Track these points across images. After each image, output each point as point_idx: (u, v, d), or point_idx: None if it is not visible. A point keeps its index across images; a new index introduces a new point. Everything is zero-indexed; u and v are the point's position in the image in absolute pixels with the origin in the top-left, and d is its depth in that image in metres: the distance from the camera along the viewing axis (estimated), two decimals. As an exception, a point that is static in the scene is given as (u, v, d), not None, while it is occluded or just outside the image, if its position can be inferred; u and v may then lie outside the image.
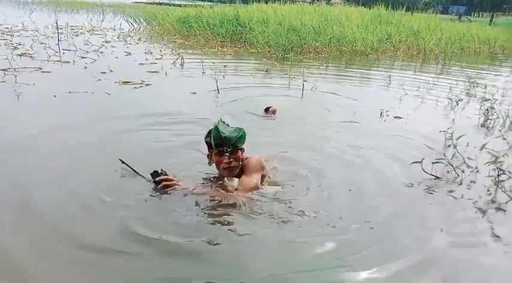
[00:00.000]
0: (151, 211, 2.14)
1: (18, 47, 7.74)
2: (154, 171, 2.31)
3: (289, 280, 1.72)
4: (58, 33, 8.56)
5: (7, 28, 10.89)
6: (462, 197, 2.51)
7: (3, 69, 5.45)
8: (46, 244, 1.88)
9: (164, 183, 2.26)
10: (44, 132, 3.28)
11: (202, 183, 2.42)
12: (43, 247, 1.85)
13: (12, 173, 2.55)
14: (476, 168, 2.90)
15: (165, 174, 2.29)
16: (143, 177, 2.27)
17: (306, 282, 1.72)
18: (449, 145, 3.34)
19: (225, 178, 2.39)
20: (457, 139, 3.19)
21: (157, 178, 2.28)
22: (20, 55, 6.84)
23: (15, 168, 2.61)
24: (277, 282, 1.71)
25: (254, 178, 2.32)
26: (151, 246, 1.86)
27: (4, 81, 4.88)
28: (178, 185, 2.27)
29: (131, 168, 2.24)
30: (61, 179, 2.50)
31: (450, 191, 2.59)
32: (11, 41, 8.49)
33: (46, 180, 2.48)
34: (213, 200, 2.20)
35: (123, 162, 2.18)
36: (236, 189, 2.29)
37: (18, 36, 9.50)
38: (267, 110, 4.14)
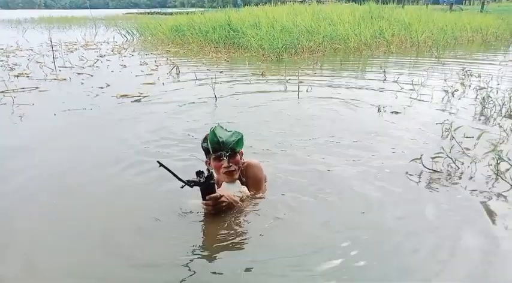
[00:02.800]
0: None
1: (14, 67, 7.79)
2: (198, 172, 2.05)
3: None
4: (53, 50, 8.61)
5: (2, 49, 10.96)
6: (464, 188, 2.54)
7: (1, 92, 5.50)
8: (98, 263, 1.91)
9: (223, 201, 2.12)
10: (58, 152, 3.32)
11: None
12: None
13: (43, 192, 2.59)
14: (476, 158, 2.94)
15: (213, 179, 2.08)
16: (182, 180, 2.01)
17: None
18: (447, 137, 3.38)
19: (224, 183, 2.32)
20: (455, 130, 3.23)
21: (207, 197, 2.08)
22: (17, 76, 6.89)
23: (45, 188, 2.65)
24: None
25: (264, 192, 2.42)
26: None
27: (5, 103, 4.92)
28: (235, 203, 2.20)
29: (171, 171, 1.98)
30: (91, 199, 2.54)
31: (451, 184, 2.62)
32: (7, 62, 8.54)
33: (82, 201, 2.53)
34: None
35: (160, 165, 1.95)
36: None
37: (14, 56, 9.56)
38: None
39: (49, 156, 3.24)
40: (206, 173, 2.04)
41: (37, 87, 5.93)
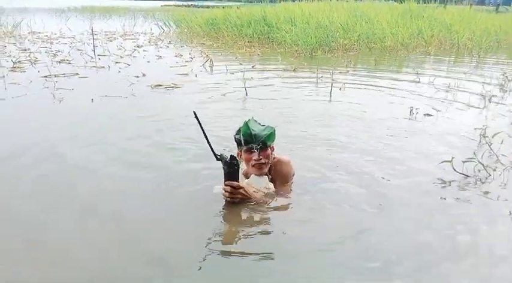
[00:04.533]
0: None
1: (57, 54, 8.17)
2: (232, 156, 2.11)
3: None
4: (93, 39, 8.93)
5: (46, 36, 11.47)
6: (494, 196, 2.48)
7: (44, 76, 5.79)
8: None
9: (241, 193, 2.17)
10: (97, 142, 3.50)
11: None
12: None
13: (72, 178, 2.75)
14: (509, 166, 2.84)
15: (237, 165, 2.13)
16: (210, 144, 2.04)
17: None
18: (481, 143, 3.28)
19: (252, 175, 2.36)
20: (492, 137, 3.11)
21: (226, 183, 2.13)
22: (59, 62, 7.22)
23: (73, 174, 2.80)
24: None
25: (290, 188, 2.45)
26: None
27: (47, 87, 5.19)
28: (250, 198, 2.22)
29: (203, 130, 2.00)
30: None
31: (481, 190, 2.56)
32: (50, 48, 8.95)
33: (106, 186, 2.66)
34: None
35: (196, 117, 1.94)
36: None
37: (57, 43, 10.00)
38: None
39: (82, 140, 3.38)
40: (234, 160, 2.10)
41: (77, 74, 6.19)
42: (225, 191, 2.16)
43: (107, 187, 2.58)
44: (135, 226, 2.15)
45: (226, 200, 2.21)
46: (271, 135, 2.34)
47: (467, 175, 2.71)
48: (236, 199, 2.18)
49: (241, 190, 2.15)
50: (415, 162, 2.96)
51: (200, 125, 2.00)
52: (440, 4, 16.78)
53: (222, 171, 2.13)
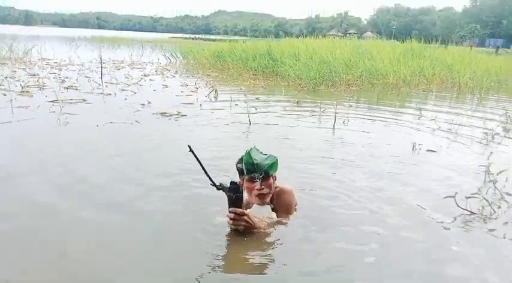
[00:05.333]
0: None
1: (65, 80, 8.33)
2: (232, 182, 2.09)
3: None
4: (101, 67, 9.13)
5: (56, 63, 11.75)
6: (497, 232, 2.44)
7: (52, 101, 5.87)
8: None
9: (245, 220, 2.11)
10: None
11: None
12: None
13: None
14: (514, 204, 2.82)
15: (240, 192, 2.11)
16: (209, 177, 2.05)
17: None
18: (486, 181, 3.26)
19: (255, 205, 2.33)
20: (497, 174, 3.10)
21: (231, 209, 2.10)
22: (67, 88, 7.34)
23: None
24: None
25: (293, 218, 2.41)
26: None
27: (54, 112, 5.25)
28: (254, 226, 2.16)
29: (200, 163, 2.00)
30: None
31: (486, 227, 2.52)
32: (59, 74, 9.15)
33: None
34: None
35: (191, 150, 1.94)
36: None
37: (66, 70, 10.23)
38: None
39: (85, 165, 3.39)
40: (236, 186, 2.08)
41: (84, 100, 6.28)
42: (229, 218, 2.12)
43: (102, 212, 2.55)
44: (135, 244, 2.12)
45: (230, 228, 2.17)
46: (274, 165, 2.32)
47: (472, 212, 2.68)
48: (240, 227, 2.13)
49: (245, 218, 2.11)
50: (418, 198, 2.93)
51: (196, 158, 1.99)
52: (441, 45, 17.23)
53: (223, 198, 2.11)
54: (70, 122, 4.80)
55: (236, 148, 3.87)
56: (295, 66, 10.20)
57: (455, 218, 2.62)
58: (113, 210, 2.57)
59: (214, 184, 2.06)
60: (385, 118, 6.03)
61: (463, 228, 2.50)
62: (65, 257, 2.04)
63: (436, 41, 17.20)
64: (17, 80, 7.78)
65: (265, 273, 1.96)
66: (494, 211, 2.69)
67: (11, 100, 5.73)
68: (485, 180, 3.28)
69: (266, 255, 2.08)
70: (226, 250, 2.13)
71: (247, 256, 2.06)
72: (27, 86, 6.99)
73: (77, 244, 2.17)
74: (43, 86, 7.36)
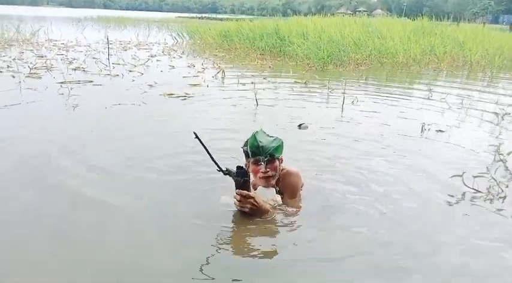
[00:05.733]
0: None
1: (72, 61, 8.33)
2: (239, 166, 2.11)
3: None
4: (108, 48, 9.10)
5: (63, 44, 11.73)
6: (506, 214, 2.44)
7: (60, 82, 5.90)
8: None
9: (251, 202, 2.13)
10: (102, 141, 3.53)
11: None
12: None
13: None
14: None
15: (247, 176, 2.13)
16: (215, 162, 2.04)
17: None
18: (495, 161, 3.24)
19: (259, 187, 2.35)
20: (508, 154, 3.07)
21: (237, 191, 2.12)
22: (74, 69, 7.35)
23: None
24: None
25: (299, 201, 2.41)
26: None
27: (62, 94, 5.28)
28: (260, 208, 2.18)
29: (207, 150, 1.99)
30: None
31: (493, 207, 2.51)
32: (66, 56, 9.15)
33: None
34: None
35: (196, 137, 1.92)
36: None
37: (73, 51, 10.22)
38: (300, 126, 4.19)
39: (95, 148, 3.43)
40: (243, 169, 2.10)
41: (91, 81, 6.29)
42: (236, 200, 2.15)
43: (111, 196, 2.60)
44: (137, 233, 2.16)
45: (237, 209, 2.20)
46: (279, 148, 2.31)
47: (479, 191, 2.67)
48: (246, 209, 2.16)
49: (251, 200, 2.13)
50: (426, 178, 2.93)
51: (203, 144, 1.99)
52: (453, 22, 16.80)
53: (228, 182, 2.13)
54: (79, 104, 4.82)
55: (243, 130, 3.87)
56: (303, 46, 10.05)
57: (462, 197, 2.62)
58: (119, 193, 2.61)
59: (220, 169, 2.07)
60: (395, 98, 5.96)
61: (469, 208, 2.50)
62: (66, 239, 2.07)
63: (448, 18, 16.78)
64: (25, 62, 7.80)
65: (268, 257, 1.97)
66: (502, 191, 2.68)
67: (20, 82, 5.77)
68: (494, 160, 3.26)
69: (270, 239, 2.10)
70: (231, 233, 2.14)
71: (251, 241, 2.07)
72: (35, 68, 7.01)
73: (77, 225, 2.21)
74: (51, 67, 7.38)
